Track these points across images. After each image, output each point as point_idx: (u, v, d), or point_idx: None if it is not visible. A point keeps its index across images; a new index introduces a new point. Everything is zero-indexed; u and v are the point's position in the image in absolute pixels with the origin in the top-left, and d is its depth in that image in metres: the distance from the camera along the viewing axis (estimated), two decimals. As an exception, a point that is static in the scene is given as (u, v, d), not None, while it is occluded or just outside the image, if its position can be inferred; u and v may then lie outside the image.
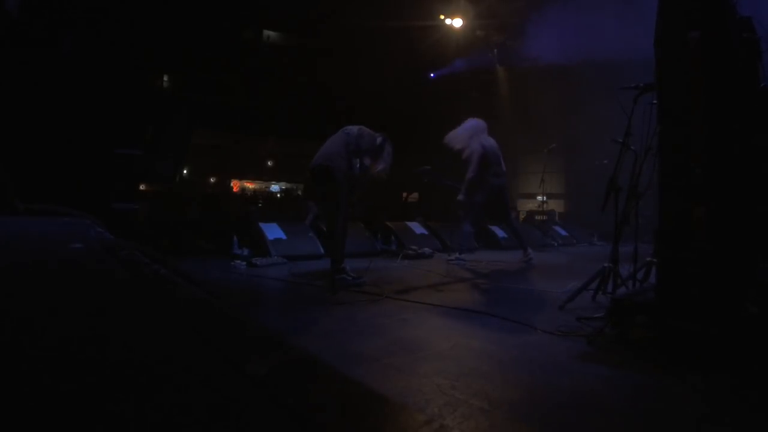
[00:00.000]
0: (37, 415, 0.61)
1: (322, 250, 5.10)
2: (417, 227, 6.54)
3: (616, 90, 2.91)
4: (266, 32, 11.50)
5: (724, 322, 1.82)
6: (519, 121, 10.28)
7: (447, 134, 5.29)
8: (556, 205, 11.28)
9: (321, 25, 9.86)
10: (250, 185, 18.34)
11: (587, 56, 7.83)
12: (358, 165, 3.70)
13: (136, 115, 5.60)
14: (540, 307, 2.91)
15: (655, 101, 2.31)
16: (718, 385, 1.65)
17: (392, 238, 6.03)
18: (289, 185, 17.92)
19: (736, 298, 1.85)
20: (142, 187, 8.15)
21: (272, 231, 5.06)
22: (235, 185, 17.93)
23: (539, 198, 9.62)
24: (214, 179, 17.60)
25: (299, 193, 14.89)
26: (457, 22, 9.62)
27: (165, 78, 10.81)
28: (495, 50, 10.76)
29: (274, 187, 18.27)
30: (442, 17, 9.57)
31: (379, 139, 3.83)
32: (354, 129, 3.84)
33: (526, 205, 11.28)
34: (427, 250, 5.68)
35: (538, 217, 9.56)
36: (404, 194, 11.38)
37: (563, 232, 8.17)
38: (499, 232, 7.20)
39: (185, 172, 14.62)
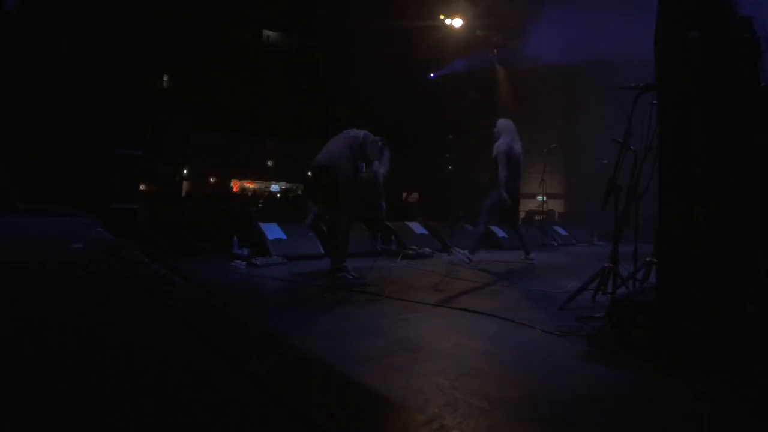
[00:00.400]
0: (37, 414, 0.61)
1: (322, 250, 5.10)
2: (417, 227, 6.54)
3: (616, 90, 2.91)
4: (266, 32, 11.50)
5: (724, 322, 1.82)
6: (519, 121, 10.27)
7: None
8: (556, 205, 11.27)
9: (321, 25, 9.86)
10: (250, 185, 18.35)
11: (587, 56, 7.83)
12: (363, 169, 3.73)
13: (136, 115, 5.59)
14: (540, 307, 2.91)
15: (655, 101, 2.31)
16: (718, 385, 1.65)
17: (392, 238, 6.02)
18: (289, 185, 17.93)
19: (736, 298, 1.85)
20: (142, 187, 8.14)
21: (272, 231, 5.06)
22: (235, 185, 17.94)
23: (539, 198, 9.61)
24: (214, 179, 17.60)
25: (299, 192, 14.89)
26: (457, 22, 9.62)
27: (165, 78, 10.81)
28: (495, 50, 10.76)
29: (274, 187, 18.28)
30: (442, 17, 9.57)
31: (380, 144, 3.85)
32: (359, 133, 3.84)
33: (526, 205, 11.26)
34: (427, 250, 5.68)
35: (537, 218, 9.57)
36: (404, 194, 11.38)
37: (563, 232, 8.17)
38: (499, 232, 7.20)
39: (185, 172, 14.61)
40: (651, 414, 1.44)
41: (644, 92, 2.75)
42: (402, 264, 4.97)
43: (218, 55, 9.95)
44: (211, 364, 0.83)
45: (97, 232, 1.95)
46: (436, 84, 11.41)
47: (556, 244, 7.68)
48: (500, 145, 5.00)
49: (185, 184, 14.42)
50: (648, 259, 3.13)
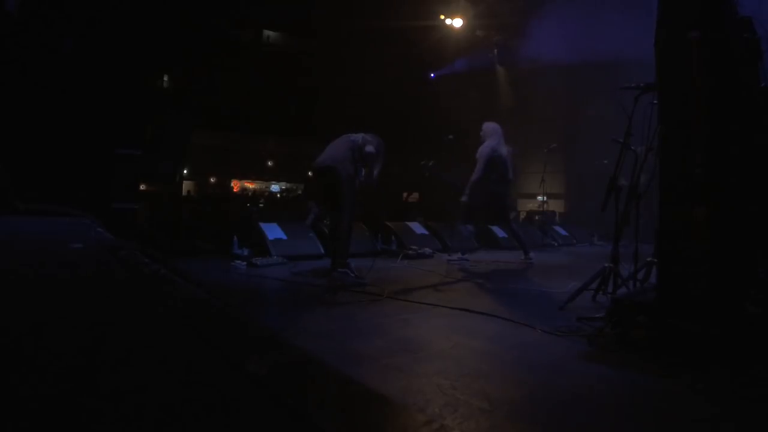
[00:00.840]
0: (37, 413, 0.61)
1: (322, 250, 5.10)
2: (417, 227, 6.53)
3: (617, 90, 2.91)
4: (266, 32, 11.50)
5: (725, 321, 1.82)
6: (519, 121, 10.28)
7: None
8: (556, 205, 11.27)
9: (321, 25, 9.86)
10: (250, 185, 18.36)
11: (588, 56, 7.83)
12: (363, 172, 3.78)
13: (136, 115, 5.59)
14: (540, 307, 2.91)
15: (655, 101, 2.31)
16: (719, 385, 1.65)
17: (392, 238, 6.02)
18: (289, 185, 17.93)
19: (736, 297, 1.85)
20: (142, 187, 8.14)
21: (273, 231, 5.06)
22: (236, 185, 17.94)
23: (539, 198, 9.61)
24: (215, 179, 17.61)
25: (299, 192, 14.90)
26: (457, 22, 9.62)
27: (165, 78, 10.81)
28: (495, 50, 10.76)
29: (274, 188, 18.28)
30: (442, 17, 9.57)
31: (376, 146, 3.89)
32: (358, 137, 3.93)
33: (526, 205, 11.27)
34: (427, 250, 5.68)
35: (537, 217, 9.57)
36: (404, 194, 11.38)
37: (563, 232, 8.17)
38: (499, 232, 7.19)
39: (185, 171, 14.62)
40: (651, 414, 1.44)
41: (645, 92, 2.74)
42: (402, 264, 4.96)
43: (218, 55, 9.95)
44: (211, 364, 0.83)
45: (97, 232, 1.95)
46: (436, 84, 11.41)
47: (556, 244, 7.67)
48: (484, 148, 5.03)
49: (185, 184, 14.44)
50: (648, 259, 3.13)
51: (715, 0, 1.99)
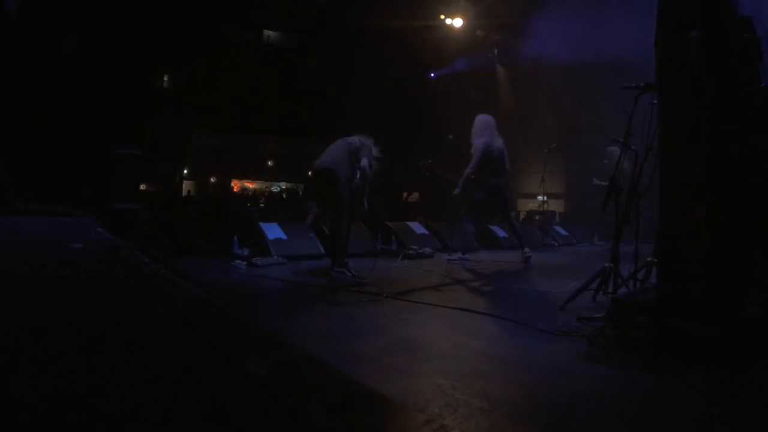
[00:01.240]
0: (36, 413, 0.61)
1: (322, 250, 5.10)
2: (417, 227, 6.53)
3: (617, 89, 2.91)
4: (266, 32, 11.51)
5: (725, 321, 1.82)
6: (519, 120, 10.28)
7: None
8: (556, 205, 11.27)
9: (321, 25, 9.86)
10: (250, 185, 18.36)
11: (588, 56, 7.83)
12: (358, 175, 3.81)
13: (136, 115, 5.60)
14: (540, 307, 2.91)
15: (655, 101, 2.31)
16: (719, 385, 1.65)
17: (392, 238, 6.02)
18: (289, 185, 17.92)
19: (736, 297, 1.85)
20: (142, 187, 8.14)
21: (273, 231, 5.06)
22: (236, 185, 17.94)
23: (539, 198, 9.61)
24: (215, 179, 17.61)
25: (299, 192, 14.90)
26: (457, 22, 9.62)
27: (165, 78, 10.81)
28: (495, 50, 10.76)
29: (275, 188, 18.28)
30: (442, 17, 9.57)
31: (368, 154, 3.91)
32: (355, 140, 3.98)
33: (526, 205, 11.27)
34: (427, 250, 5.68)
35: (537, 217, 9.57)
36: (405, 194, 11.38)
37: (563, 232, 8.17)
38: (500, 232, 7.20)
39: (185, 171, 14.62)
40: (651, 414, 1.44)
41: (645, 92, 2.74)
42: (402, 264, 4.97)
43: (218, 55, 9.95)
44: (211, 364, 0.83)
45: (97, 232, 1.95)
46: (436, 84, 11.41)
47: (556, 244, 7.67)
48: (478, 143, 4.99)
49: (185, 184, 14.45)
50: (648, 259, 3.13)
51: (715, 0, 1.99)
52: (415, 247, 5.63)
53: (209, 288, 2.47)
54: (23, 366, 0.75)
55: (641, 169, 2.84)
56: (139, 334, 0.95)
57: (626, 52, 5.86)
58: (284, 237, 5.05)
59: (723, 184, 1.91)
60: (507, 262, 5.25)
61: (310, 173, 4.03)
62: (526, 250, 5.16)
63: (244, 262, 4.47)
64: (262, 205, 9.88)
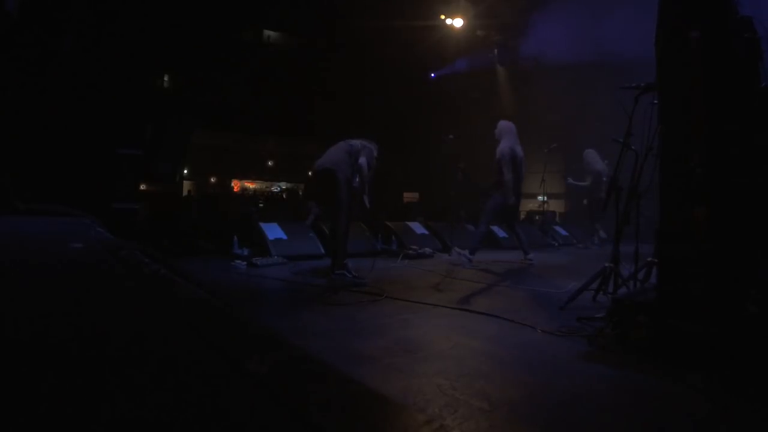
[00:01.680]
0: (36, 414, 0.61)
1: (322, 250, 5.10)
2: (417, 227, 6.53)
3: (617, 89, 2.91)
4: (267, 32, 11.51)
5: (725, 321, 1.82)
6: (519, 120, 10.28)
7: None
8: (557, 205, 11.27)
9: (322, 25, 9.86)
10: (250, 185, 18.36)
11: (588, 56, 7.83)
12: (357, 178, 3.82)
13: (136, 115, 5.59)
14: (540, 307, 2.91)
15: (656, 101, 2.31)
16: (719, 385, 1.65)
17: (393, 238, 6.02)
18: (290, 185, 17.93)
19: (736, 297, 1.85)
20: (142, 187, 8.14)
21: (273, 231, 5.06)
22: (236, 185, 17.95)
23: (540, 198, 9.62)
24: (215, 179, 17.62)
25: (299, 192, 14.90)
26: (457, 22, 9.62)
27: (165, 78, 10.82)
28: (495, 50, 10.76)
29: (275, 188, 18.28)
30: (442, 17, 9.57)
31: (368, 155, 3.91)
32: (357, 143, 3.99)
33: (526, 205, 11.27)
34: (427, 250, 5.68)
35: (537, 217, 9.57)
36: (404, 194, 11.40)
37: (563, 232, 8.17)
38: (500, 232, 7.20)
39: (186, 171, 14.62)
40: (651, 414, 1.44)
41: (645, 92, 2.74)
42: (402, 264, 4.97)
43: (218, 55, 9.95)
44: (212, 363, 0.82)
45: (97, 232, 1.95)
46: (436, 84, 11.41)
47: (556, 244, 7.67)
48: (503, 148, 4.99)
49: (186, 184, 14.45)
50: (649, 259, 3.13)
51: (715, 0, 1.99)
52: (415, 247, 5.63)
53: (209, 288, 2.47)
54: (23, 366, 0.75)
55: (641, 169, 2.84)
56: (139, 334, 0.95)
57: (626, 52, 5.86)
58: (284, 237, 5.05)
59: (723, 184, 1.91)
60: (507, 262, 5.25)
61: (310, 173, 4.02)
62: (530, 256, 5.16)
63: (244, 262, 4.47)
64: (261, 205, 9.88)
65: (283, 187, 18.21)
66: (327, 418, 0.65)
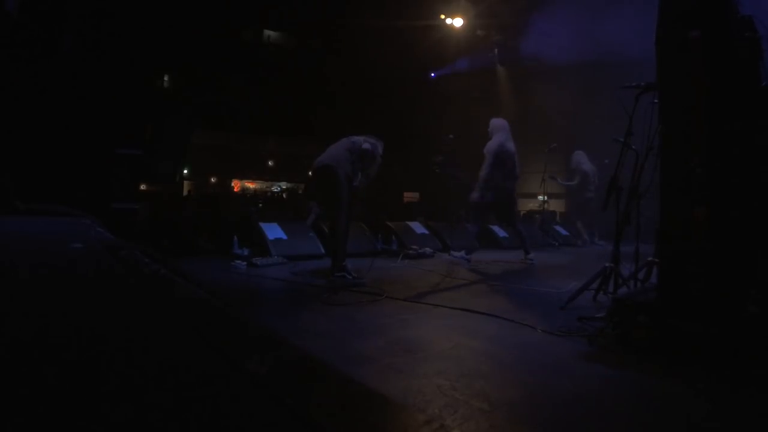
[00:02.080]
0: (35, 415, 0.61)
1: (322, 250, 5.10)
2: (418, 227, 6.53)
3: (618, 89, 2.91)
4: (267, 32, 11.51)
5: (725, 321, 1.82)
6: (519, 120, 10.27)
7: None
8: (557, 205, 11.27)
9: (322, 25, 9.87)
10: (251, 185, 18.36)
11: (588, 55, 7.83)
12: (359, 175, 3.77)
13: (136, 115, 5.59)
14: (541, 307, 2.91)
15: (656, 100, 2.31)
16: (719, 385, 1.65)
17: (393, 238, 6.02)
18: (290, 185, 17.93)
19: (737, 297, 1.85)
20: (142, 187, 8.15)
21: (273, 231, 5.06)
22: (236, 185, 17.95)
23: (540, 198, 9.62)
24: (215, 179, 17.62)
25: (299, 192, 14.90)
26: (457, 22, 9.63)
27: (165, 78, 10.82)
28: (495, 50, 10.76)
29: (275, 188, 18.29)
30: (442, 17, 9.57)
31: (373, 147, 3.88)
32: (360, 139, 3.92)
33: (526, 205, 11.27)
34: (427, 249, 5.68)
35: (537, 216, 9.57)
36: (404, 194, 11.40)
37: (564, 232, 8.17)
38: (500, 232, 7.20)
39: (186, 171, 14.63)
40: (652, 414, 1.44)
41: (646, 91, 2.74)
42: (402, 264, 4.96)
43: (218, 55, 9.95)
44: (212, 364, 0.82)
45: (97, 232, 1.95)
46: (436, 83, 11.41)
47: (556, 244, 7.67)
48: (491, 145, 5.00)
49: (186, 184, 14.45)
50: (649, 259, 3.13)
51: (715, 0, 1.99)
52: (415, 246, 5.63)
53: (209, 288, 2.47)
54: (23, 366, 0.75)
55: (642, 168, 2.84)
56: (139, 334, 0.95)
57: (627, 52, 5.86)
58: (284, 237, 5.05)
59: (723, 184, 1.91)
60: (507, 262, 5.25)
61: (310, 173, 4.00)
62: (530, 256, 5.16)
63: (244, 262, 4.47)
64: (260, 205, 9.88)
65: (284, 187, 18.21)
66: (327, 418, 0.65)
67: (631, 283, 2.96)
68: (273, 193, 17.56)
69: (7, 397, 0.64)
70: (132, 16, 5.43)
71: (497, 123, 5.18)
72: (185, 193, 13.49)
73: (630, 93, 2.83)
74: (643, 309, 2.06)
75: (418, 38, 9.92)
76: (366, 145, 3.78)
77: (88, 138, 4.89)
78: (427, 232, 6.51)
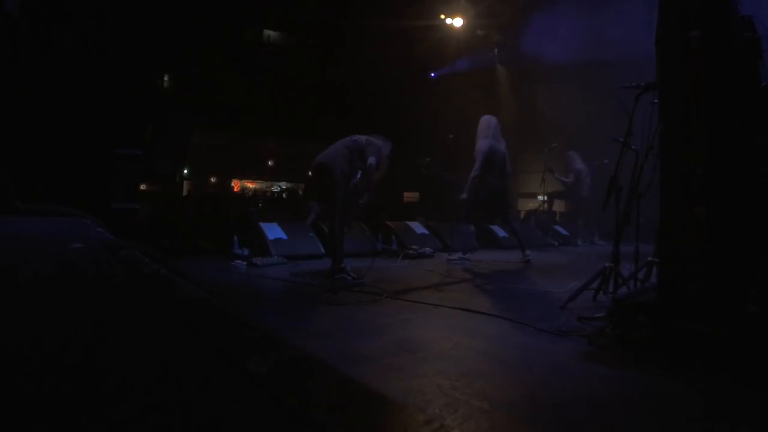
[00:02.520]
0: (35, 416, 0.61)
1: (322, 250, 5.10)
2: (418, 227, 6.53)
3: (618, 89, 2.91)
4: (267, 32, 11.51)
5: (725, 321, 1.82)
6: (519, 120, 10.27)
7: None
8: (557, 205, 11.27)
9: (322, 25, 9.86)
10: (251, 185, 18.36)
11: (588, 55, 7.83)
12: (358, 175, 3.73)
13: (136, 115, 5.59)
14: (541, 307, 2.91)
15: (656, 100, 2.31)
16: (719, 385, 1.65)
17: (393, 237, 6.02)
18: (290, 185, 17.92)
19: (737, 297, 1.85)
20: (142, 187, 8.15)
21: (273, 231, 5.06)
22: (236, 185, 17.95)
23: (540, 197, 9.62)
24: (215, 179, 17.62)
25: (299, 192, 14.89)
26: (457, 22, 9.63)
27: (165, 78, 10.82)
28: (495, 49, 10.76)
29: (275, 188, 18.28)
30: (442, 17, 9.57)
31: (376, 152, 3.83)
32: (362, 138, 3.90)
33: (526, 205, 11.26)
34: (427, 249, 5.68)
35: (543, 216, 9.57)
36: (404, 194, 11.40)
37: (564, 232, 8.17)
38: (500, 232, 7.19)
39: (186, 171, 14.62)
40: (652, 414, 1.44)
41: (645, 91, 2.75)
42: (402, 264, 4.96)
43: (218, 55, 9.95)
44: (211, 364, 0.82)
45: (97, 232, 1.95)
46: (436, 83, 11.41)
47: (556, 243, 7.67)
48: (481, 144, 5.00)
49: (186, 184, 14.45)
50: (649, 258, 3.13)
51: (715, 0, 1.99)
52: (415, 246, 5.63)
53: (209, 288, 2.47)
54: (23, 366, 0.75)
55: (642, 168, 2.84)
56: (138, 334, 0.95)
57: (626, 51, 5.86)
58: (284, 237, 5.05)
59: (723, 184, 1.91)
60: (507, 262, 5.25)
61: (310, 173, 3.98)
62: (527, 253, 5.17)
63: (244, 262, 4.47)
64: (260, 204, 9.87)
65: (284, 187, 18.21)
66: (327, 418, 0.65)
67: (631, 283, 2.96)
68: (273, 193, 17.55)
69: (7, 397, 0.64)
70: (132, 16, 5.43)
71: (486, 121, 5.16)
72: (185, 193, 13.49)
73: (630, 93, 2.83)
74: (643, 309, 2.06)
75: (418, 38, 9.92)
76: (371, 159, 3.73)
77: (88, 138, 4.89)
78: (427, 232, 6.51)
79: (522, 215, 10.24)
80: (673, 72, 2.08)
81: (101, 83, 5.06)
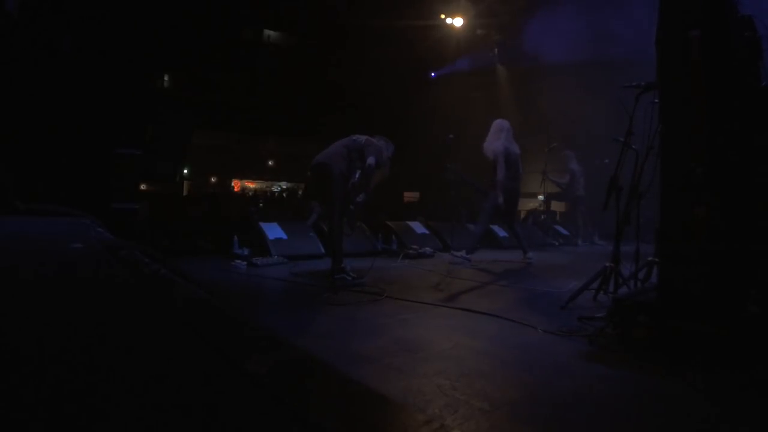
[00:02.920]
0: (36, 415, 0.61)
1: (322, 250, 5.10)
2: (418, 227, 6.53)
3: (618, 89, 2.91)
4: (267, 32, 11.50)
5: (726, 321, 1.82)
6: (520, 120, 10.27)
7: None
8: (557, 205, 11.26)
9: (322, 24, 9.86)
10: (251, 185, 18.36)
11: (588, 55, 7.83)
12: (357, 174, 3.72)
13: (136, 115, 5.60)
14: (541, 307, 2.91)
15: (656, 100, 2.31)
16: (719, 385, 1.65)
17: (393, 237, 6.02)
18: (290, 185, 17.93)
19: (737, 297, 1.85)
20: (142, 187, 8.15)
21: (273, 231, 5.06)
22: (236, 185, 17.95)
23: (540, 197, 9.61)
24: (215, 179, 17.62)
25: (299, 192, 14.90)
26: (457, 22, 9.62)
27: (165, 78, 10.82)
28: (495, 49, 10.75)
29: (275, 188, 18.29)
30: (442, 16, 9.56)
31: (376, 152, 3.82)
32: (362, 138, 3.89)
33: (527, 205, 11.26)
34: (428, 249, 5.68)
35: (543, 217, 9.57)
36: (404, 194, 11.39)
37: (564, 232, 8.17)
38: (500, 232, 7.19)
39: (186, 171, 14.63)
40: (652, 414, 1.44)
41: (646, 91, 2.74)
42: (403, 264, 4.96)
43: (218, 55, 9.94)
44: (211, 364, 0.82)
45: (97, 232, 1.94)
46: (436, 83, 11.41)
47: (557, 243, 7.67)
48: (498, 147, 5.00)
49: (186, 184, 14.45)
50: (649, 258, 3.13)
51: (715, 0, 1.99)
52: (415, 246, 5.63)
53: (209, 288, 2.47)
54: (23, 366, 0.75)
55: (642, 168, 2.84)
56: (138, 334, 0.95)
57: (626, 51, 5.86)
58: (284, 237, 5.05)
59: (724, 183, 1.91)
60: (507, 262, 5.25)
61: (309, 173, 3.97)
62: (529, 255, 5.17)
63: (244, 262, 4.47)
64: (261, 204, 9.87)
65: (284, 187, 18.21)
66: (327, 418, 0.65)
67: (631, 283, 2.96)
68: (273, 193, 17.55)
69: (7, 397, 0.64)
70: (132, 16, 5.43)
71: (501, 124, 5.18)
72: (185, 193, 13.49)
73: (630, 93, 2.82)
74: (643, 309, 2.06)
75: (419, 38, 9.91)
76: (371, 160, 3.72)
77: (88, 138, 4.89)
78: (427, 232, 6.51)
79: (522, 215, 10.25)
80: (673, 72, 2.08)
81: (101, 83, 5.07)
